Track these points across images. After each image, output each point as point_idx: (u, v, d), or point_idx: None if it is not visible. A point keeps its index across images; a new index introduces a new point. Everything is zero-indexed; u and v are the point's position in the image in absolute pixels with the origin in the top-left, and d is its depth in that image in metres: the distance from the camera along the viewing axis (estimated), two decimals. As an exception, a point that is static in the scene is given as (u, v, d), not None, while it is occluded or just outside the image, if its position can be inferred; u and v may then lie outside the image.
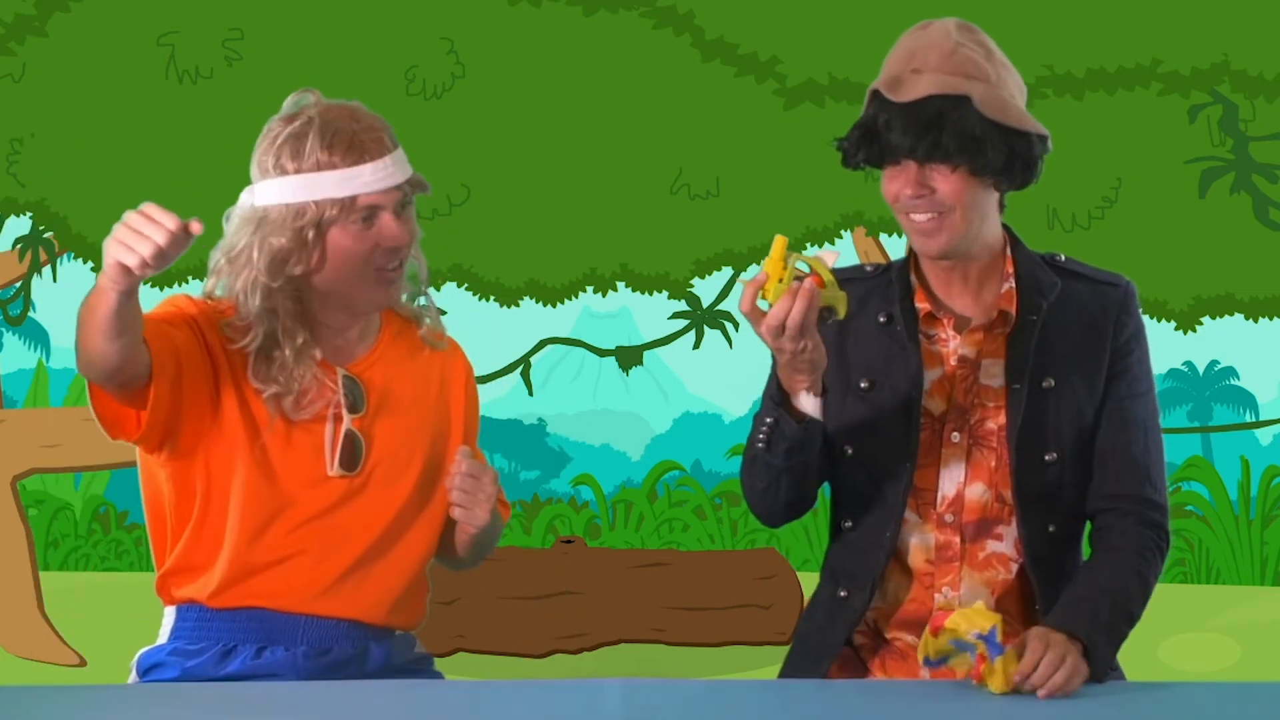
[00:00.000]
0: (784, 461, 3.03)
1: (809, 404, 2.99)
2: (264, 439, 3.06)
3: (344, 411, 3.08)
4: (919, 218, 3.00)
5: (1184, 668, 6.37)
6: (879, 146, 3.00)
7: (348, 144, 3.00)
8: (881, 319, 3.08)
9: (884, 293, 3.10)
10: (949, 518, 3.08)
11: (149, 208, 2.68)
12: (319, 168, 2.99)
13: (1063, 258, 3.14)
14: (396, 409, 3.13)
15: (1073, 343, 3.07)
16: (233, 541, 3.09)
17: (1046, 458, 3.05)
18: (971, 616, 2.78)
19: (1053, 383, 3.05)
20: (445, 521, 3.18)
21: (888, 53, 3.08)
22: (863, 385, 3.08)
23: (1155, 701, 2.85)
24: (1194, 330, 6.58)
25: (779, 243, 2.89)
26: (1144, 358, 3.12)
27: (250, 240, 3.01)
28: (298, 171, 3.00)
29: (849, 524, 3.13)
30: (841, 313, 2.91)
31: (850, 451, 3.10)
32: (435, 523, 3.17)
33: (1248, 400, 8.14)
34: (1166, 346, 7.13)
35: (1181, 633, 6.79)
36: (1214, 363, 8.15)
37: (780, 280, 2.86)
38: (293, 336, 3.04)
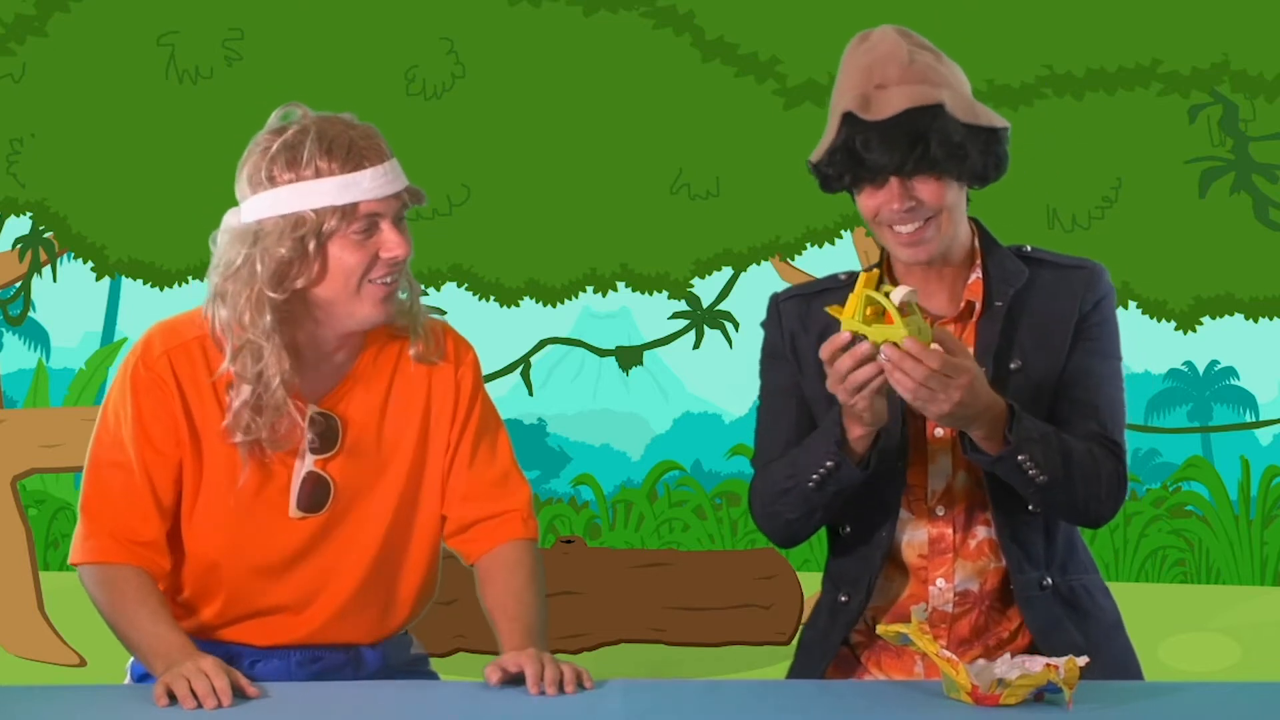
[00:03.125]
0: (830, 500, 3.05)
1: (863, 446, 2.99)
2: (237, 488, 3.03)
3: (307, 453, 3.04)
4: (905, 229, 3.01)
5: (1184, 668, 6.37)
6: (862, 168, 3.00)
7: (346, 150, 2.91)
8: None
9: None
10: (940, 511, 3.10)
11: (216, 676, 2.80)
12: (318, 175, 2.90)
13: (1029, 248, 3.15)
14: (372, 439, 3.05)
15: (1040, 324, 3.09)
16: (211, 595, 3.08)
17: None
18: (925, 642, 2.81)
19: (1020, 364, 3.07)
20: (439, 536, 3.15)
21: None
22: None
23: (1155, 701, 2.85)
24: (1194, 330, 6.58)
25: (862, 279, 2.87)
26: (1108, 325, 3.13)
27: (250, 253, 2.92)
28: (294, 180, 2.91)
29: (847, 529, 3.15)
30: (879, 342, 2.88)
31: None
32: (428, 541, 3.13)
33: (1248, 400, 8.14)
34: (1166, 346, 7.14)
35: (1181, 633, 6.80)
36: (1214, 363, 8.15)
37: (859, 304, 2.85)
38: (282, 362, 2.99)
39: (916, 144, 2.96)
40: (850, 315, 2.87)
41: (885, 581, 3.13)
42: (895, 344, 2.85)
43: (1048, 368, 3.08)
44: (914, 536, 3.12)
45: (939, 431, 3.09)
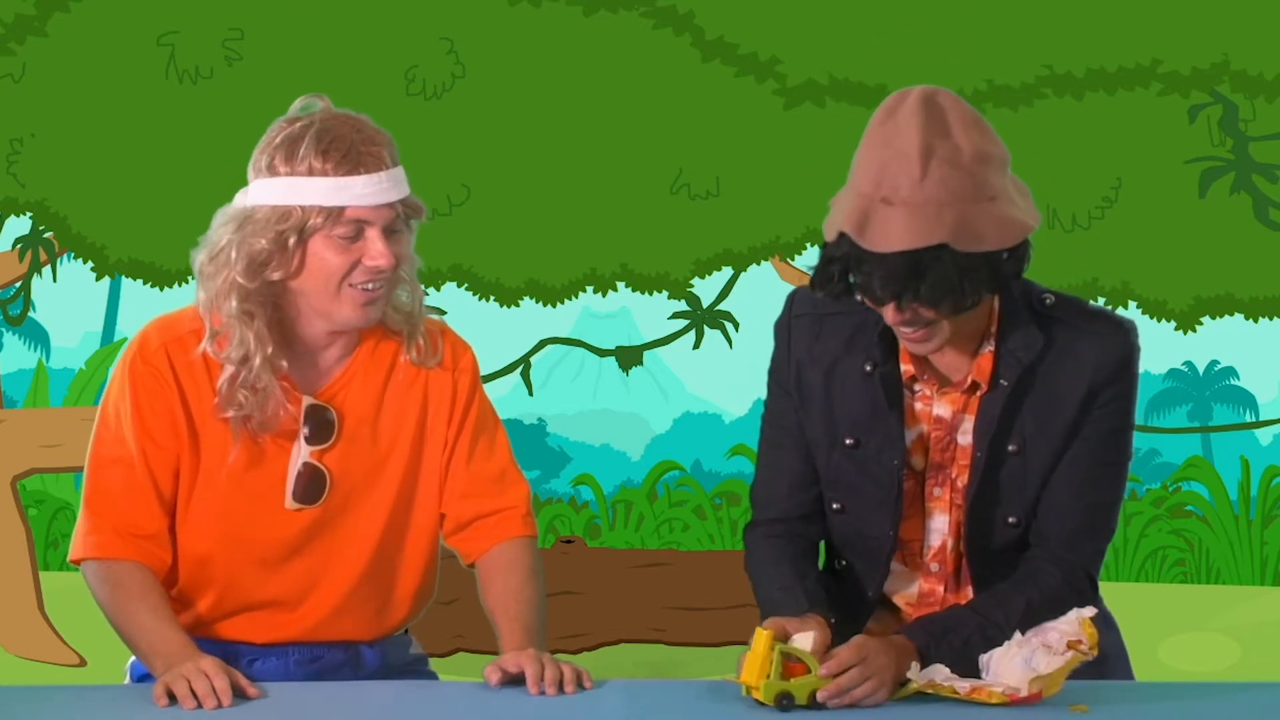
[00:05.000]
0: None
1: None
2: (229, 474, 3.03)
3: (303, 443, 3.04)
4: (906, 330, 2.93)
5: (1184, 668, 6.37)
6: (856, 285, 2.89)
7: (343, 153, 2.93)
8: (867, 368, 3.03)
9: (871, 335, 3.04)
10: (934, 567, 3.09)
11: (216, 676, 2.80)
12: (310, 173, 2.92)
13: (1051, 300, 3.03)
14: (369, 433, 3.06)
15: (1045, 403, 3.00)
16: (207, 587, 3.08)
17: (1010, 519, 3.04)
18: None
19: (1017, 447, 3.00)
20: (437, 535, 3.16)
21: (860, 135, 2.90)
22: (848, 442, 3.05)
23: (1155, 701, 2.85)
24: (1194, 330, 6.57)
25: (762, 639, 2.82)
26: (1119, 402, 3.03)
27: (231, 239, 2.96)
28: (289, 174, 2.93)
29: (842, 563, 3.15)
30: (803, 701, 2.82)
31: (837, 507, 3.10)
32: (425, 540, 3.13)
33: (1248, 400, 8.13)
34: (1166, 346, 7.13)
35: (1181, 633, 6.79)
36: (1214, 363, 8.13)
37: (768, 677, 2.80)
38: (264, 345, 2.99)
39: (910, 282, 2.83)
40: (760, 680, 2.80)
41: (876, 619, 3.14)
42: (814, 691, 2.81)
43: (1045, 453, 3.01)
44: (905, 589, 3.12)
45: (938, 491, 3.07)
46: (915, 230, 2.81)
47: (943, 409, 3.03)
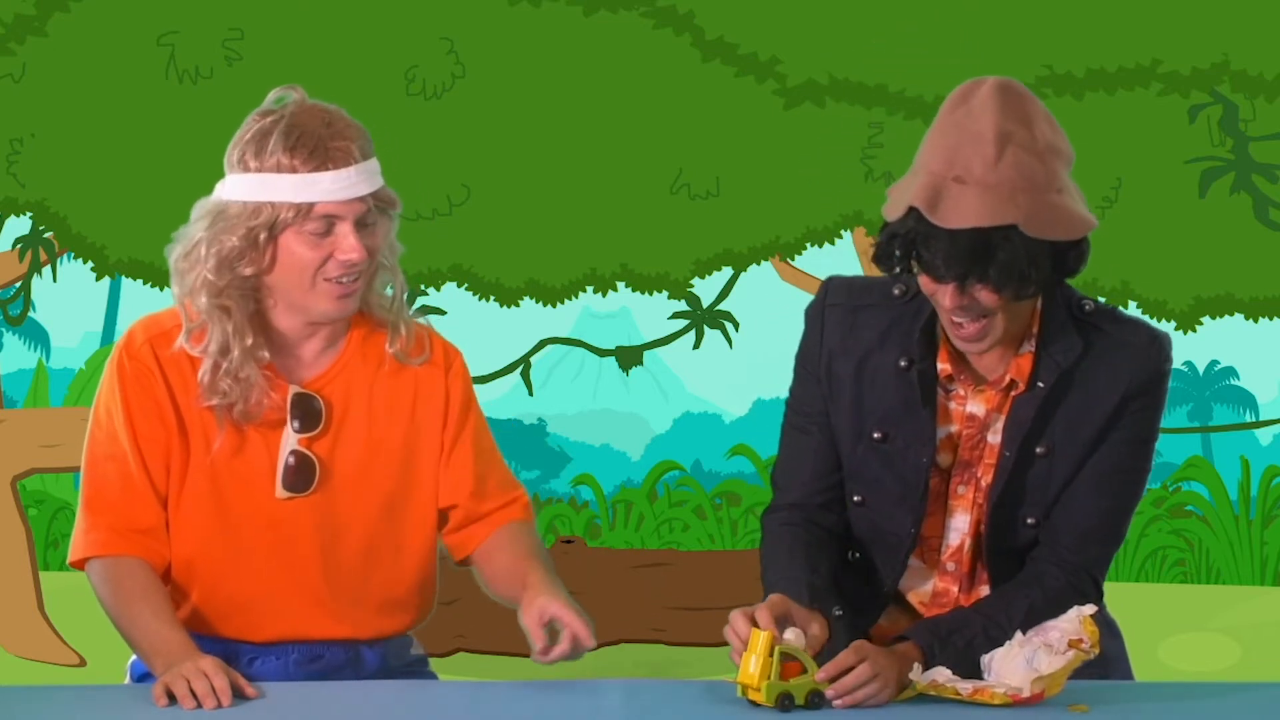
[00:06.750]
0: None
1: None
2: (217, 465, 3.03)
3: (291, 431, 3.04)
4: (959, 320, 2.91)
5: (1184, 668, 6.37)
6: (920, 263, 2.87)
7: (311, 149, 2.93)
8: (902, 364, 3.01)
9: (908, 329, 3.03)
10: (951, 566, 3.08)
11: (215, 676, 2.80)
12: (278, 169, 2.93)
13: (1090, 306, 3.03)
14: (360, 423, 3.06)
15: (1078, 407, 3.00)
16: (200, 580, 3.08)
17: (1029, 521, 3.03)
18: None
19: (1046, 449, 3.00)
20: (434, 535, 3.15)
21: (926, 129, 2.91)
22: (875, 436, 3.03)
23: (1156, 701, 2.85)
24: (1194, 330, 6.57)
25: (760, 639, 2.81)
26: (1148, 411, 3.03)
27: (204, 236, 2.97)
28: (258, 170, 2.94)
29: (856, 556, 3.14)
30: (801, 701, 2.83)
31: (858, 499, 3.09)
32: (422, 537, 3.12)
33: (1248, 400, 8.13)
34: (1166, 346, 7.12)
35: (1181, 633, 6.79)
36: (1214, 363, 8.13)
37: (769, 679, 2.80)
38: (242, 336, 3.00)
39: (978, 262, 2.82)
40: (762, 682, 2.80)
41: (887, 615, 3.14)
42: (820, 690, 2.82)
43: (1071, 457, 3.01)
44: (920, 586, 3.11)
45: (961, 489, 3.06)
46: (989, 209, 2.81)
47: (976, 407, 3.02)
